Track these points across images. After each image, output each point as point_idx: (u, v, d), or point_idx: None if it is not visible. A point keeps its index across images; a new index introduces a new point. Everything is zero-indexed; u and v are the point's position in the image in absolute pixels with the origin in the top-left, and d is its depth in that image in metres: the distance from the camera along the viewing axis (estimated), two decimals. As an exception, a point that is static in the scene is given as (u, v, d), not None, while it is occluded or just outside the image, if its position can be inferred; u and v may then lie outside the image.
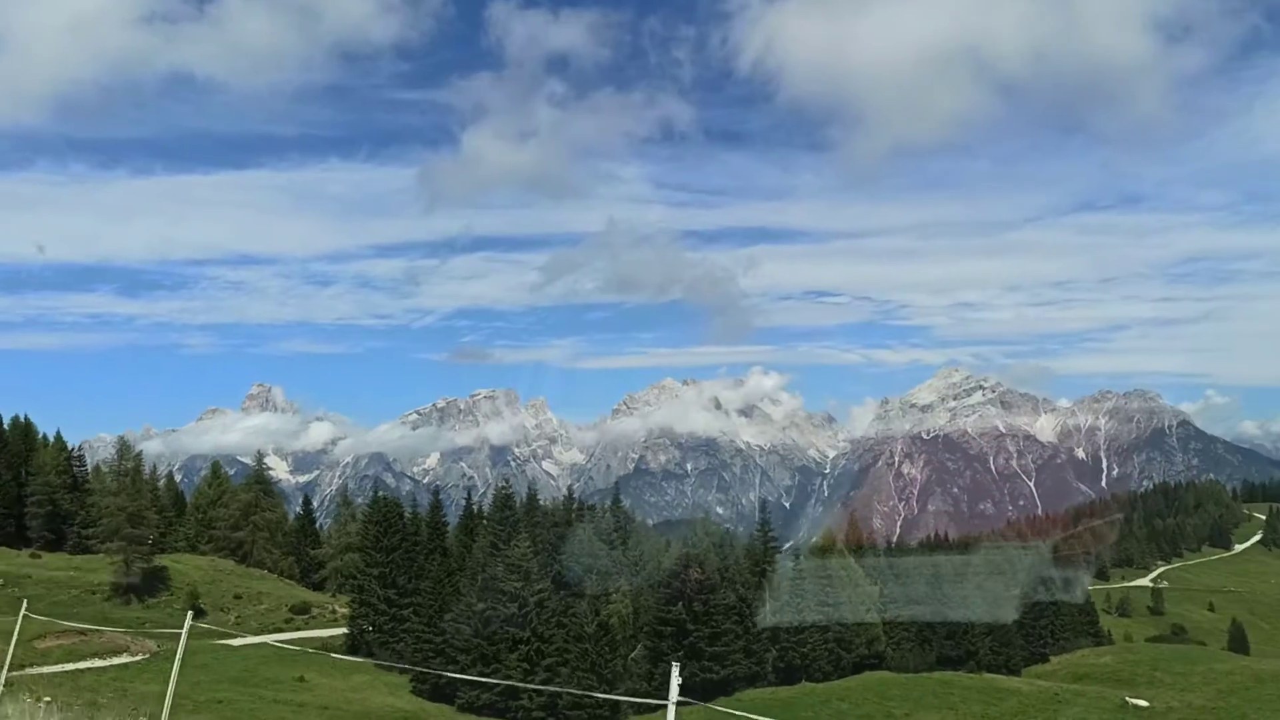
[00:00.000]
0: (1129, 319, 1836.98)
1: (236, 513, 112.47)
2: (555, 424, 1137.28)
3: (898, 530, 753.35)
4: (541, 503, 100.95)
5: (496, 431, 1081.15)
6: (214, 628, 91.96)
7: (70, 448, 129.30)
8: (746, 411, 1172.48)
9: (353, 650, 78.57)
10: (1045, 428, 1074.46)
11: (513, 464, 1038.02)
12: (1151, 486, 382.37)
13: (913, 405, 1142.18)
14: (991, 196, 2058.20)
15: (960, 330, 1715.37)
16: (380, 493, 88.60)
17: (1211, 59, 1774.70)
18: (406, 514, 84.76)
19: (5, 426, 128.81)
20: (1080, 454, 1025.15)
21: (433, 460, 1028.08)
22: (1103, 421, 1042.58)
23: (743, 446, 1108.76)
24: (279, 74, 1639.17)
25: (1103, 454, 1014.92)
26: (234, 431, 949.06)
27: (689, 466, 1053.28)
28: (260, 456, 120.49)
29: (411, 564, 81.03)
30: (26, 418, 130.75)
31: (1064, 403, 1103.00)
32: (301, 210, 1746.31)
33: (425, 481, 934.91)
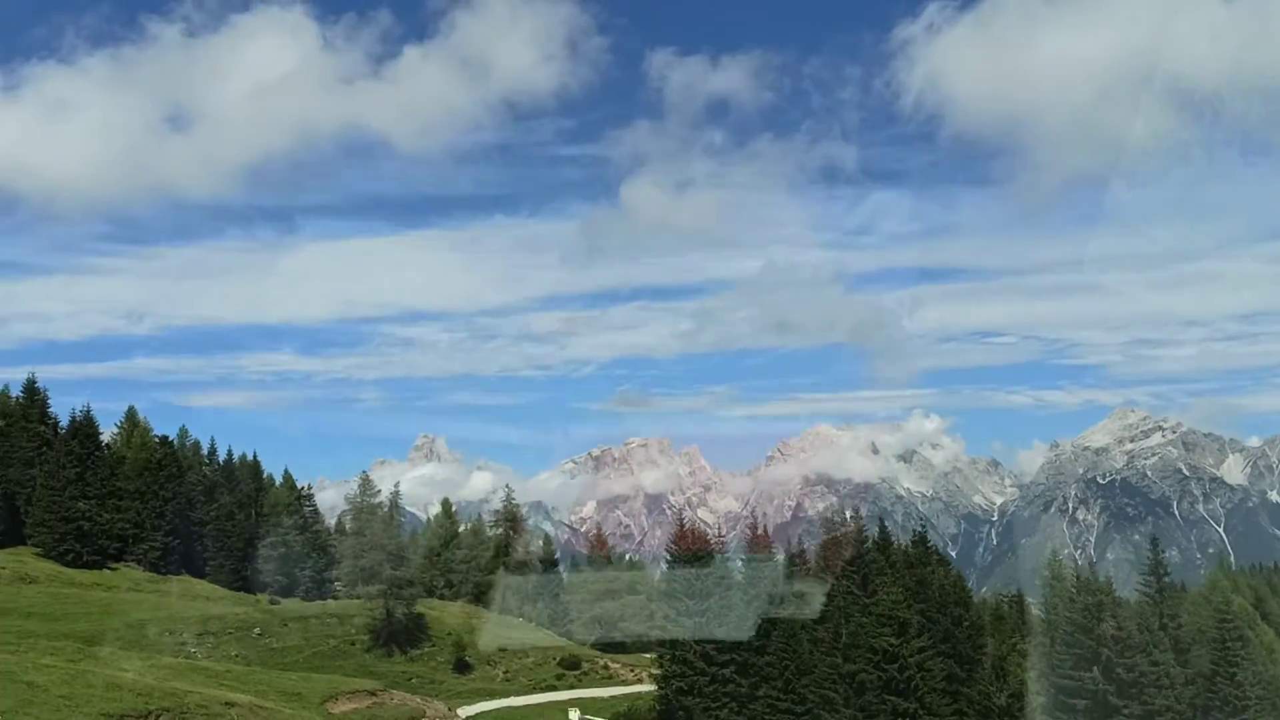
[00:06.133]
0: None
1: (486, 554, 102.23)
2: (709, 471, 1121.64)
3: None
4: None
5: (651, 479, 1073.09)
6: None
7: (300, 487, 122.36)
8: (906, 457, 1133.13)
9: (668, 718, 66.14)
10: (1234, 469, 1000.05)
11: (668, 512, 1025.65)
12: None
13: (1086, 448, 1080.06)
14: (1171, 226, 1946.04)
15: (1137, 369, 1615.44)
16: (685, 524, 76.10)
17: None
18: (712, 553, 71.95)
19: (234, 465, 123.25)
20: (1275, 496, 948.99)
21: (590, 508, 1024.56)
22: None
23: (903, 493, 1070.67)
24: (449, 134, 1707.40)
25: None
26: (402, 482, 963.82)
27: (848, 514, 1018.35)
28: (510, 496, 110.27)
29: (728, 612, 68.33)
30: (255, 456, 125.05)
31: (1254, 442, 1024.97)
32: (467, 267, 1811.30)
33: (583, 530, 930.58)
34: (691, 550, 70.75)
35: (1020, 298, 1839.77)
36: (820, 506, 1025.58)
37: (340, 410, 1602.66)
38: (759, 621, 66.68)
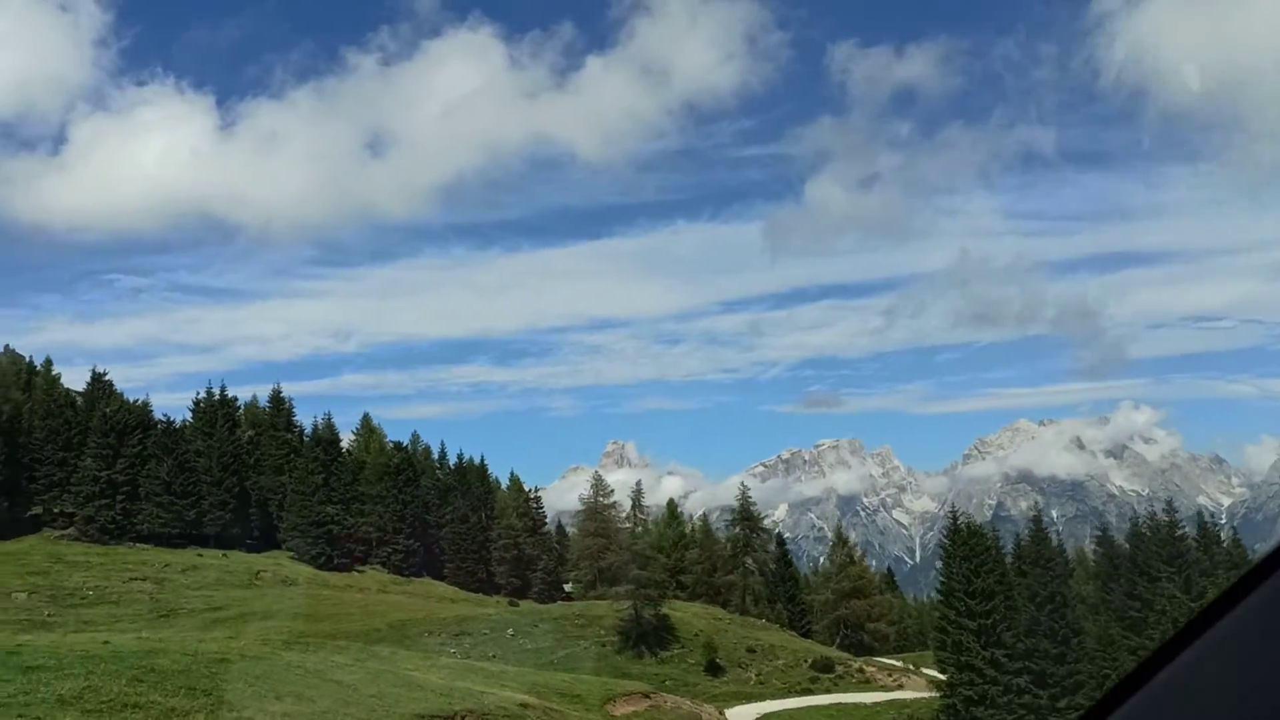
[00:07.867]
0: None
1: (723, 554, 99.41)
2: (903, 472, 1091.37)
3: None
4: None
5: (843, 481, 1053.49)
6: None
7: (528, 489, 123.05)
8: (1115, 452, 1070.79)
9: (954, 726, 61.31)
10: None
11: (862, 514, 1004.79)
12: None
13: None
14: None
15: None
16: (961, 520, 70.81)
17: None
18: (989, 547, 66.65)
19: (465, 469, 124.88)
20: None
21: (781, 511, 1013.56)
22: None
23: (1115, 491, 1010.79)
24: (632, 142, 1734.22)
25: None
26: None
27: (1054, 513, 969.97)
28: (745, 493, 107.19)
29: (1014, 614, 62.89)
30: (483, 460, 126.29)
31: None
32: (651, 273, 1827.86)
33: (775, 533, 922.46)
34: (970, 545, 65.58)
35: (1238, 278, 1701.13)
36: (1023, 505, 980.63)
37: (532, 419, 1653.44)
38: (1054, 627, 61.07)
